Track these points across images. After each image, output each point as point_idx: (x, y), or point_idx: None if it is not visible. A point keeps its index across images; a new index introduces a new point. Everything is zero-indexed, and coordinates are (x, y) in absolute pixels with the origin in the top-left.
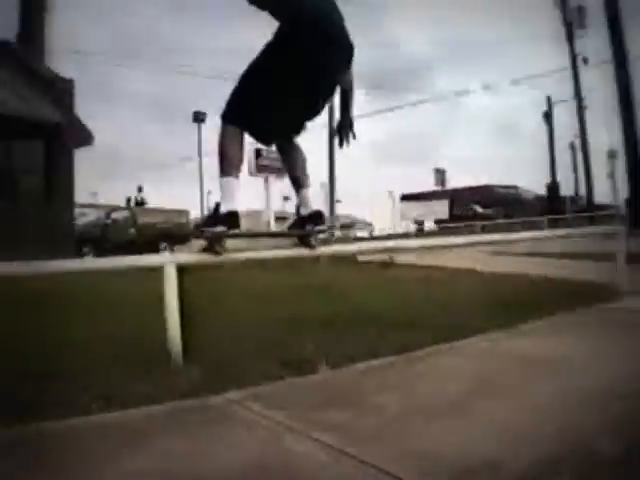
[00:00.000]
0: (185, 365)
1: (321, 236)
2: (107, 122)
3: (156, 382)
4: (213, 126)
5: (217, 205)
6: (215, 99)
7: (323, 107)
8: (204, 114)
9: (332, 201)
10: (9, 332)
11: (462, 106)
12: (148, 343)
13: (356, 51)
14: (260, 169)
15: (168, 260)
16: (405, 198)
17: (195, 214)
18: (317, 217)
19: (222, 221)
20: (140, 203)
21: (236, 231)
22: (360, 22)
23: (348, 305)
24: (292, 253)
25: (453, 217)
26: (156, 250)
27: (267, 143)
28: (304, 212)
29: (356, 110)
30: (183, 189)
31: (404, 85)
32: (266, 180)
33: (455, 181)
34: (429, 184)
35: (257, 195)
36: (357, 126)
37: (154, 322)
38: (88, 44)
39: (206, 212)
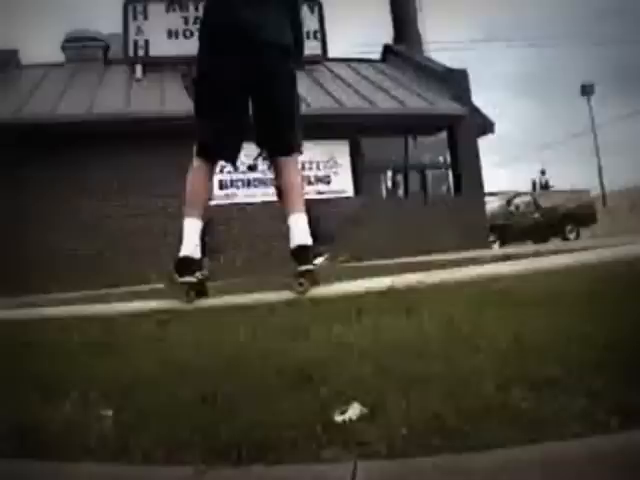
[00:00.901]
0: None
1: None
2: (488, 107)
3: None
4: (601, 98)
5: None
6: (598, 70)
7: (280, 114)
8: (592, 86)
9: None
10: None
11: None
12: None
13: None
14: None
15: None
16: None
17: (594, 193)
18: (299, 253)
19: (175, 267)
20: (545, 186)
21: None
22: None
23: None
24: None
25: None
26: (562, 233)
27: (230, 161)
28: (291, 245)
29: None
30: (574, 167)
31: None
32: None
33: None
34: None
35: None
36: None
37: None
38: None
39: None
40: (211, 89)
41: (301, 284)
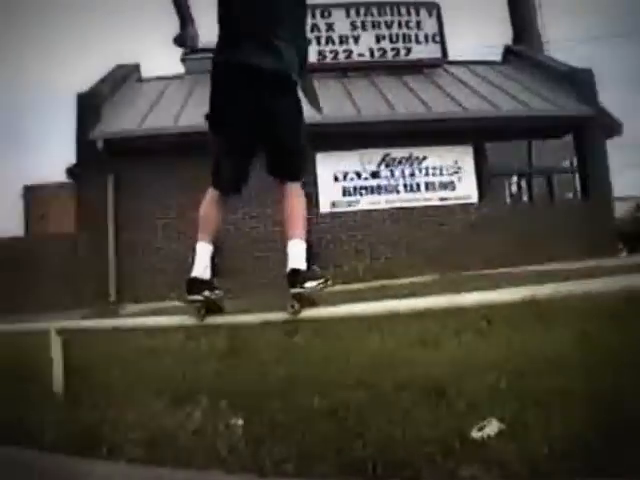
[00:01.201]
0: None
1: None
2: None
3: None
4: None
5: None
6: None
7: (287, 146)
8: None
9: None
10: None
11: None
12: None
13: None
14: None
15: None
16: None
17: None
18: (291, 276)
19: (185, 287)
20: None
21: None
22: None
23: None
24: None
25: None
26: None
27: (236, 193)
28: (287, 269)
29: None
30: None
31: None
32: None
33: None
34: None
35: None
36: None
37: None
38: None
39: None
40: (219, 122)
41: (292, 306)
